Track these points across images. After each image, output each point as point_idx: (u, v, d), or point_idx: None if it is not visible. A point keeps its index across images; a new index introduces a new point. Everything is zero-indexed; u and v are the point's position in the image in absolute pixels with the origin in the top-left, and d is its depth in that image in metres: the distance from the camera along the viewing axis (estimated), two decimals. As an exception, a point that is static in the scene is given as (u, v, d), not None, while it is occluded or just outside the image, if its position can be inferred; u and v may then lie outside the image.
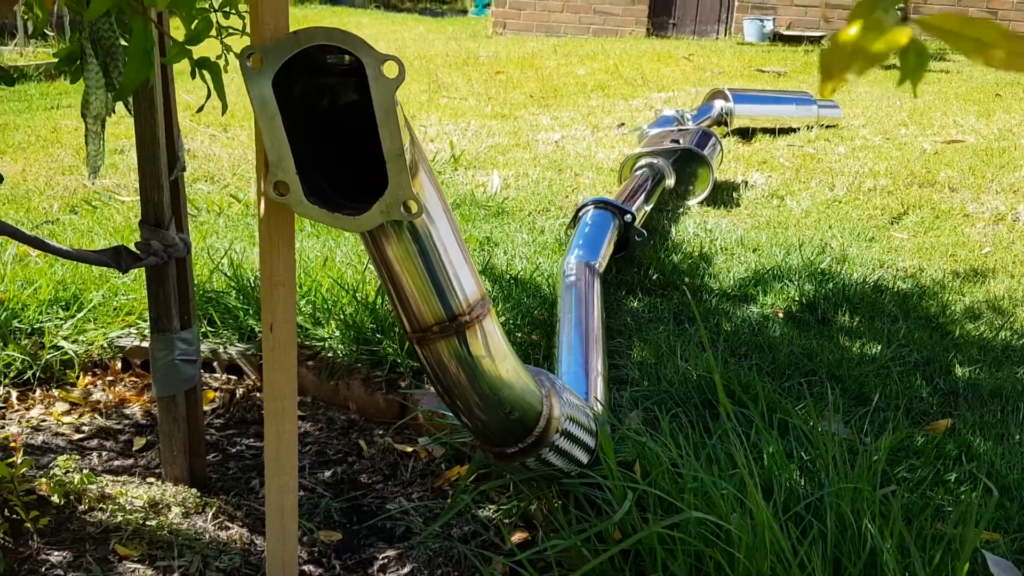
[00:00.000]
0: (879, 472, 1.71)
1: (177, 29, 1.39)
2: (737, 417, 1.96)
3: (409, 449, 2.03)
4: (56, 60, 1.41)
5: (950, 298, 2.67)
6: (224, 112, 1.37)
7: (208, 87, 1.25)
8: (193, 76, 1.25)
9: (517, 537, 1.70)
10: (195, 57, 1.27)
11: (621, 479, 1.55)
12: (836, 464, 1.69)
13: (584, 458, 1.61)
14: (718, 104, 5.09)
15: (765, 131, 5.06)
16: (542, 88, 6.67)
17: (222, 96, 1.31)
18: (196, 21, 1.12)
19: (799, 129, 5.10)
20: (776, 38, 9.70)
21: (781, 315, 2.51)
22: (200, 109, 1.54)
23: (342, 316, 2.30)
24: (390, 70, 1.10)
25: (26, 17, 1.48)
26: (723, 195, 3.82)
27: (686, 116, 4.84)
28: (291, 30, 1.14)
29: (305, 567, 1.64)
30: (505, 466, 1.58)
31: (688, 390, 2.03)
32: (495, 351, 1.37)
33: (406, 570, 1.63)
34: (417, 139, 1.31)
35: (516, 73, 7.32)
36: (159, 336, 1.65)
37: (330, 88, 1.24)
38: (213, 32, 1.19)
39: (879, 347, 2.31)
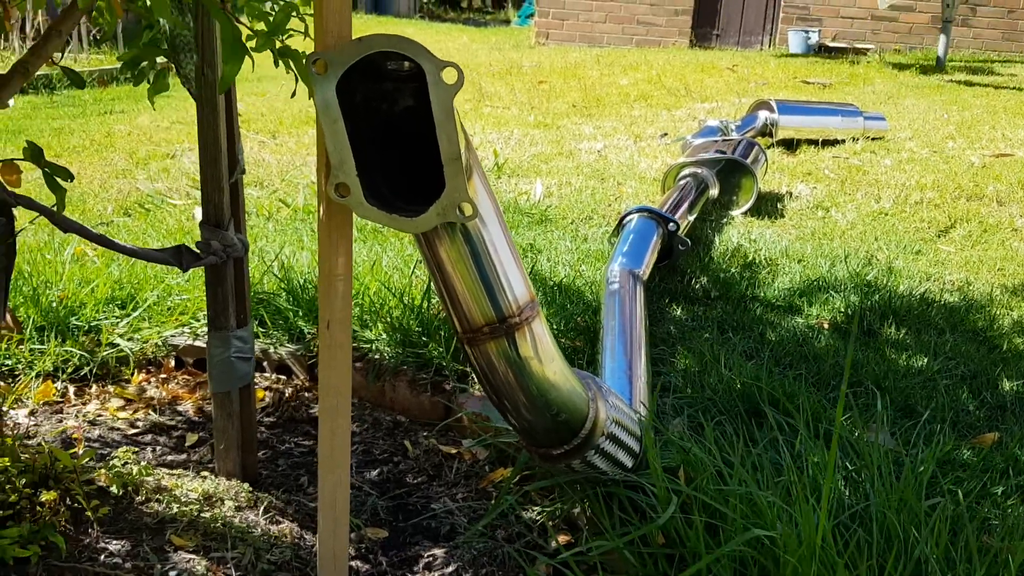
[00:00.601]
0: (924, 483, 1.71)
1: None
2: (781, 426, 1.96)
3: (453, 451, 2.05)
4: (120, 65, 1.47)
5: (998, 312, 2.64)
6: (311, 96, 1.41)
7: (295, 75, 1.30)
8: (276, 65, 1.30)
9: (560, 540, 1.72)
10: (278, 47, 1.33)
11: (666, 483, 1.57)
12: (881, 474, 1.69)
13: (628, 462, 1.63)
14: (763, 115, 5.07)
15: (810, 142, 5.03)
16: (584, 98, 6.70)
17: (308, 82, 1.36)
18: (277, 12, 1.17)
19: (844, 141, 5.07)
20: (821, 50, 9.64)
21: (826, 326, 2.51)
22: (293, 94, 1.58)
23: (389, 319, 2.34)
24: (449, 76, 1.13)
25: (97, 23, 1.54)
26: (767, 206, 3.81)
27: (730, 126, 4.84)
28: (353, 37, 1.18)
29: (353, 563, 1.67)
30: (550, 467, 1.60)
31: (732, 398, 2.04)
32: (543, 353, 1.40)
33: (451, 569, 1.66)
34: (472, 144, 1.34)
35: (559, 83, 7.36)
36: (216, 334, 1.70)
37: (389, 94, 1.28)
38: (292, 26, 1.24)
39: (926, 359, 2.30)
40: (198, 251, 1.60)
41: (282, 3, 1.46)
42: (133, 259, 2.71)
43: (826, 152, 4.84)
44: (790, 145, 5.00)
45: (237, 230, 1.67)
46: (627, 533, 1.55)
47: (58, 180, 1.29)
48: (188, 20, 1.46)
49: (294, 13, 1.32)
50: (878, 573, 1.49)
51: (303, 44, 1.41)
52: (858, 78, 7.70)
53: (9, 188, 1.33)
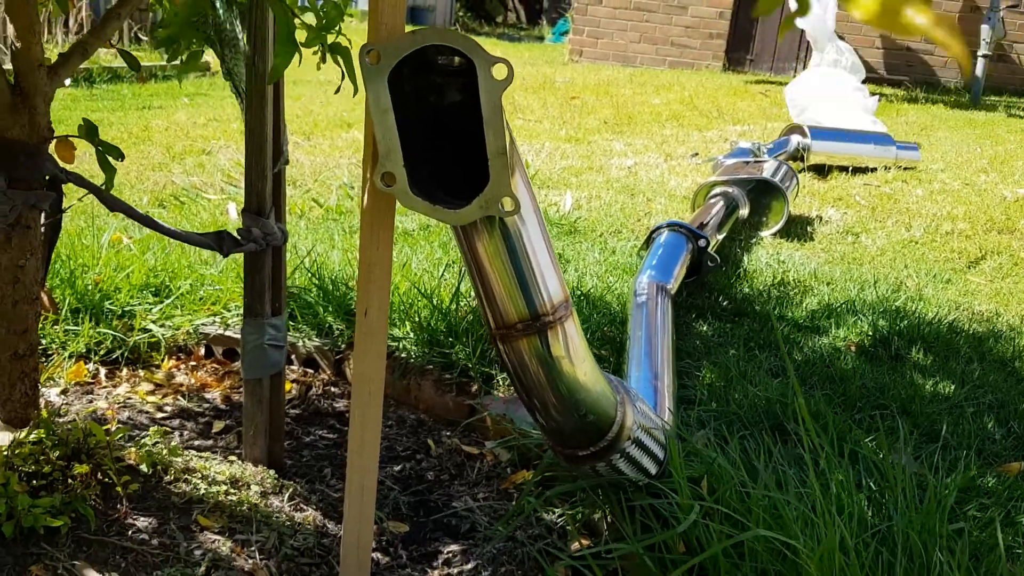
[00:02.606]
0: (948, 507, 1.70)
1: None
2: (805, 444, 1.96)
3: (476, 451, 2.06)
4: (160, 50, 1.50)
5: (1028, 344, 2.63)
6: (356, 94, 1.44)
7: (341, 70, 1.33)
8: (324, 60, 1.33)
9: (579, 544, 1.72)
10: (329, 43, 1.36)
11: (689, 492, 1.57)
12: (905, 496, 1.68)
13: (653, 469, 1.63)
14: (795, 139, 5.07)
15: (841, 169, 5.02)
16: (616, 115, 6.72)
17: (354, 79, 1.38)
18: (329, 8, 1.20)
19: (876, 169, 5.05)
20: (855, 79, 9.61)
21: (853, 349, 2.50)
22: (337, 91, 1.61)
23: (417, 319, 2.36)
24: (499, 72, 1.15)
25: (154, 9, 1.57)
26: (797, 229, 3.81)
27: (762, 149, 4.83)
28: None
29: (373, 554, 1.68)
30: (575, 469, 1.60)
31: (757, 414, 2.04)
32: (574, 353, 1.41)
33: (470, 566, 1.67)
34: (515, 141, 1.36)
35: (591, 99, 7.39)
36: (251, 320, 1.72)
37: (437, 87, 1.30)
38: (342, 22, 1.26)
39: (953, 386, 2.29)
40: (239, 238, 1.63)
41: (333, 1, 1.49)
42: (168, 248, 2.75)
43: (857, 179, 4.83)
44: (821, 171, 4.99)
45: (278, 219, 1.70)
46: (649, 539, 1.55)
47: (109, 159, 1.31)
48: (234, 14, 1.49)
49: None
50: (900, 593, 1.48)
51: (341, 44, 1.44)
52: (891, 109, 7.67)
53: (62, 164, 1.36)
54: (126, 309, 2.38)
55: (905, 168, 5.13)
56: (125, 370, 2.26)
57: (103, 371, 2.23)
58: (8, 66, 1.33)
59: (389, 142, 1.19)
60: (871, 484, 1.79)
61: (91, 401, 2.10)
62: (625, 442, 1.53)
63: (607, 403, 1.48)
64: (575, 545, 1.72)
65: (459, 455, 2.07)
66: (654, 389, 2.00)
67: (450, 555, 1.71)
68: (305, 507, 1.72)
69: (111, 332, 2.27)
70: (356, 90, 1.40)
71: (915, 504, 1.68)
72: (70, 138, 1.35)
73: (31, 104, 1.32)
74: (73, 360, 2.22)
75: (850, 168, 5.03)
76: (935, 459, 1.96)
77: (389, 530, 1.76)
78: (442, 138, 1.31)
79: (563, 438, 1.51)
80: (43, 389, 2.09)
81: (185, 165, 4.45)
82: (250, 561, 1.47)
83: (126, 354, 2.28)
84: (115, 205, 1.44)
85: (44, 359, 2.21)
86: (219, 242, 1.59)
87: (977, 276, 3.31)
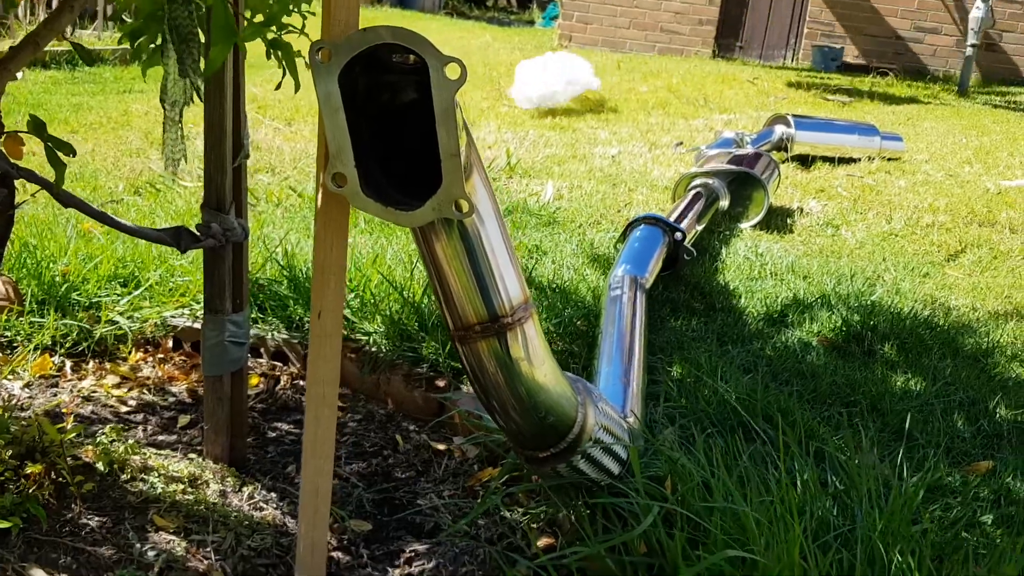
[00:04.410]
0: (913, 508, 1.69)
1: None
2: (774, 442, 1.95)
3: (443, 447, 2.05)
4: (126, 40, 1.46)
5: (1001, 340, 2.62)
6: (297, 90, 1.41)
7: (282, 67, 1.30)
8: (268, 57, 1.30)
9: (543, 542, 1.71)
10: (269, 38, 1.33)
11: (647, 494, 1.56)
12: (870, 497, 1.68)
13: (616, 469, 1.62)
14: (779, 129, 5.05)
15: (825, 159, 5.01)
16: (603, 103, 6.69)
17: (295, 75, 1.36)
18: (274, 3, 1.17)
19: (860, 160, 5.04)
20: (844, 67, 9.60)
21: (826, 344, 2.49)
22: (278, 86, 1.58)
23: (388, 312, 2.34)
24: (452, 72, 1.13)
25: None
26: (777, 220, 3.80)
27: (745, 139, 4.82)
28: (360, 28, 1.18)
29: (334, 553, 1.67)
30: (536, 470, 1.59)
31: (725, 411, 2.03)
32: (534, 355, 1.39)
33: (431, 565, 1.66)
34: (473, 142, 1.34)
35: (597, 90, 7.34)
36: (211, 317, 1.70)
37: (392, 86, 1.27)
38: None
39: (924, 383, 2.28)
40: (198, 233, 1.61)
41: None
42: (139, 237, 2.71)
43: (840, 170, 4.82)
44: (805, 161, 4.98)
45: (238, 215, 1.68)
46: (609, 540, 1.54)
47: (59, 155, 1.29)
48: (192, 7, 1.46)
49: (295, 9, 1.32)
50: (859, 596, 1.48)
51: (299, 41, 1.41)
52: (878, 97, 7.66)
53: (12, 160, 1.33)
54: (93, 300, 2.35)
55: (889, 159, 5.12)
56: (92, 363, 2.23)
57: (69, 364, 2.21)
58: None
59: (340, 142, 1.17)
60: (837, 483, 1.79)
61: (55, 395, 2.07)
62: (586, 443, 1.51)
63: (568, 404, 1.47)
64: (539, 544, 1.71)
65: (427, 451, 2.05)
66: (623, 387, 1.99)
67: (412, 554, 1.70)
68: (265, 506, 1.70)
69: (77, 324, 2.25)
70: (298, 86, 1.38)
71: (880, 504, 1.68)
72: (19, 134, 1.32)
73: (-22, 99, 1.29)
74: (38, 352, 2.19)
75: (835, 159, 5.02)
76: (901, 458, 1.95)
77: (352, 529, 1.75)
78: (397, 138, 1.29)
79: (523, 440, 1.50)
80: (6, 382, 2.07)
81: (163, 151, 4.40)
82: (205, 562, 1.46)
83: (92, 346, 2.25)
84: (68, 201, 1.42)
85: (9, 351, 2.19)
86: (176, 238, 1.56)
87: (955, 270, 3.31)
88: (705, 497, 1.58)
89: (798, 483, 1.75)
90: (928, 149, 5.57)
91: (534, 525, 1.76)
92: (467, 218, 1.19)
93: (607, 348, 2.15)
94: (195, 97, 1.55)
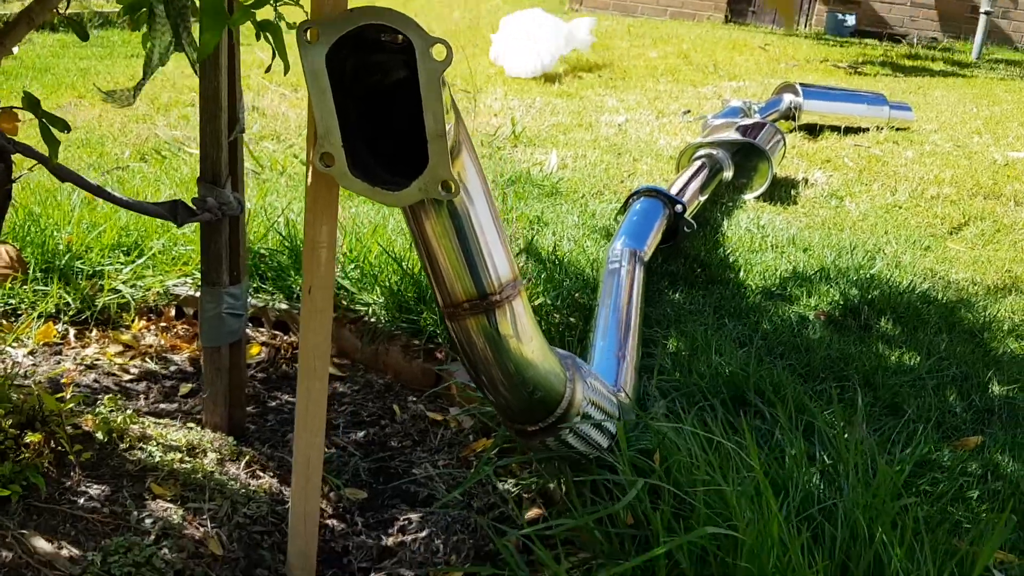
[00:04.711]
0: (899, 482, 1.72)
1: None
2: (765, 416, 1.97)
3: (440, 418, 2.08)
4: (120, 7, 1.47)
5: (999, 314, 2.63)
6: (286, 72, 1.42)
7: (272, 48, 1.31)
8: (258, 38, 1.31)
9: (533, 513, 1.74)
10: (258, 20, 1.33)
11: (635, 467, 1.59)
12: (858, 471, 1.70)
13: (604, 442, 1.65)
14: (787, 98, 5.02)
15: (833, 129, 4.98)
16: (611, 68, 6.64)
17: (284, 57, 1.37)
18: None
19: (868, 129, 5.00)
20: (856, 34, 9.49)
21: (823, 317, 2.50)
22: (267, 69, 1.59)
23: (387, 284, 2.36)
24: (439, 53, 1.14)
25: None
26: (781, 191, 3.79)
27: (753, 108, 4.79)
28: (349, 7, 1.19)
29: (329, 521, 1.71)
30: (526, 443, 1.62)
31: (718, 385, 2.05)
32: (522, 331, 1.41)
33: (424, 533, 1.69)
34: (462, 119, 1.35)
35: (588, 53, 7.29)
36: (208, 289, 1.73)
37: (381, 65, 1.28)
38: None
39: (918, 358, 2.30)
40: (194, 207, 1.63)
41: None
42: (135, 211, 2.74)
43: (848, 140, 4.79)
44: (812, 130, 4.95)
45: (234, 188, 1.69)
46: (596, 511, 1.57)
47: (53, 131, 1.30)
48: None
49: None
50: (839, 569, 1.50)
51: (296, 14, 1.42)
52: (891, 65, 7.58)
53: (8, 136, 1.35)
54: (97, 269, 2.38)
55: (898, 128, 5.08)
56: (95, 331, 2.27)
57: (72, 332, 2.24)
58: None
59: (328, 122, 1.18)
60: (825, 458, 1.81)
61: (59, 362, 2.11)
62: (574, 418, 1.54)
63: (556, 380, 1.49)
64: (529, 514, 1.74)
65: (423, 421, 2.09)
66: (617, 360, 2.01)
67: (406, 522, 1.74)
68: (262, 474, 1.74)
69: (81, 293, 2.28)
70: (287, 68, 1.39)
71: (867, 479, 1.70)
72: (14, 109, 1.34)
73: (-26, 74, 1.31)
74: (42, 320, 2.22)
75: (843, 128, 4.99)
76: (894, 433, 1.97)
77: (347, 497, 1.79)
78: (386, 117, 1.30)
79: (512, 414, 1.52)
80: (10, 350, 2.11)
81: (170, 117, 4.41)
82: (201, 529, 1.49)
83: (96, 315, 2.28)
84: (64, 175, 1.44)
85: (13, 319, 2.22)
86: (173, 212, 1.59)
87: (957, 243, 3.31)
88: (692, 470, 1.61)
89: (787, 457, 1.78)
90: (938, 119, 5.52)
91: (525, 495, 1.80)
92: (452, 198, 1.21)
93: (603, 322, 2.17)
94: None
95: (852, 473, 1.69)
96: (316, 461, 1.40)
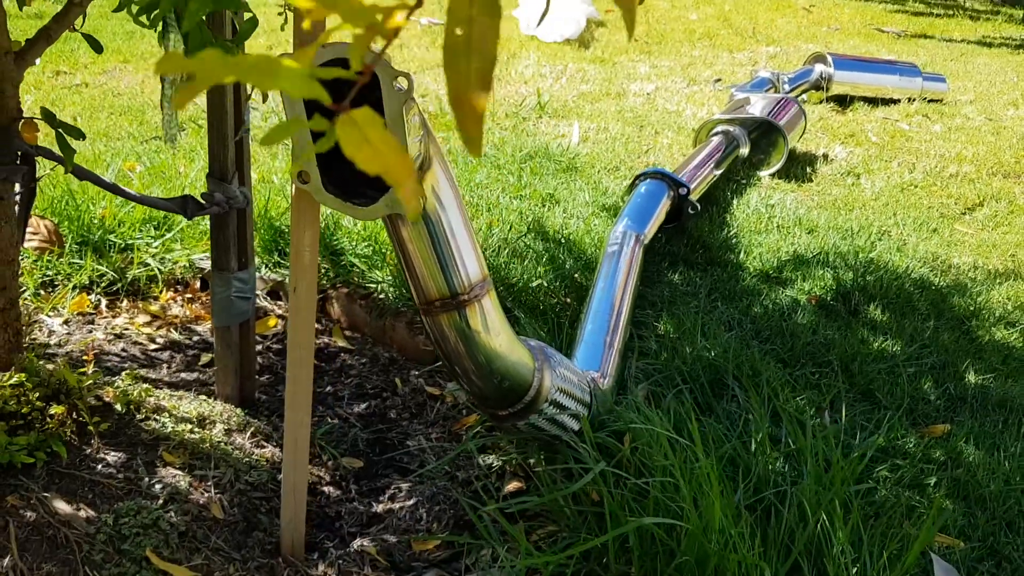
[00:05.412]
0: (859, 468, 1.83)
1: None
2: (740, 400, 2.09)
3: (437, 392, 2.23)
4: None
5: (992, 301, 2.69)
6: (266, 101, 1.55)
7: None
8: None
9: (513, 486, 1.89)
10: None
11: (603, 449, 1.73)
12: (818, 457, 1.81)
13: (575, 426, 1.79)
14: (818, 68, 5.01)
15: (864, 99, 4.97)
16: (648, 32, 6.65)
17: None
18: (244, 23, 1.30)
19: (900, 101, 4.99)
20: (908, -7, 9.29)
21: (815, 302, 2.59)
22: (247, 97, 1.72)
23: (395, 263, 2.50)
24: (402, 83, 1.26)
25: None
26: (798, 168, 3.84)
27: (782, 79, 4.80)
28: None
29: (326, 488, 1.88)
30: (499, 426, 1.76)
31: (700, 368, 2.16)
32: (491, 327, 1.55)
33: (411, 502, 1.85)
34: (433, 134, 1.47)
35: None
36: (218, 274, 1.88)
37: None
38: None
39: (900, 345, 2.38)
40: (203, 201, 1.78)
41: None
42: (171, 181, 2.91)
43: (878, 112, 4.79)
44: (843, 101, 4.95)
45: (241, 184, 1.84)
46: (566, 489, 1.71)
47: (68, 140, 1.45)
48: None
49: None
50: (784, 551, 1.63)
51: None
52: (936, 29, 7.45)
53: (29, 143, 1.50)
54: (128, 243, 2.55)
55: (930, 100, 5.05)
56: (125, 301, 2.45)
57: (104, 302, 2.43)
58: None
59: (303, 142, 1.31)
60: (790, 442, 1.92)
61: (91, 331, 2.30)
62: (543, 404, 1.68)
63: (524, 370, 1.63)
64: (509, 487, 1.89)
65: (422, 395, 2.24)
66: (604, 345, 2.13)
67: (396, 491, 1.90)
68: (266, 444, 1.91)
69: (113, 265, 2.46)
70: (265, 97, 1.52)
71: (826, 465, 1.82)
72: (34, 120, 1.49)
73: (0, 89, 1.46)
74: (76, 291, 2.41)
75: (874, 99, 4.98)
76: (864, 419, 2.08)
77: (343, 466, 1.95)
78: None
79: (485, 400, 1.66)
80: (47, 319, 2.30)
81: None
82: (205, 495, 1.67)
83: (126, 287, 2.46)
84: (82, 175, 1.59)
85: (50, 289, 2.41)
86: (183, 207, 1.74)
87: (966, 225, 3.34)
88: (659, 453, 1.74)
89: (752, 441, 1.90)
90: (975, 88, 5.46)
91: (508, 469, 1.94)
92: (413, 215, 1.34)
93: (595, 304, 2.29)
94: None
95: (811, 459, 1.81)
96: (303, 441, 1.55)
